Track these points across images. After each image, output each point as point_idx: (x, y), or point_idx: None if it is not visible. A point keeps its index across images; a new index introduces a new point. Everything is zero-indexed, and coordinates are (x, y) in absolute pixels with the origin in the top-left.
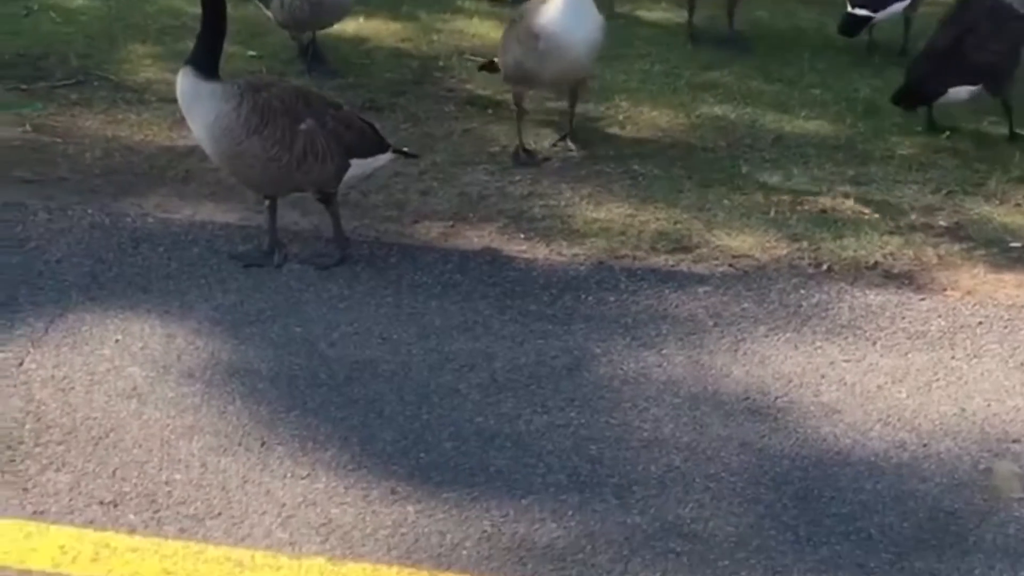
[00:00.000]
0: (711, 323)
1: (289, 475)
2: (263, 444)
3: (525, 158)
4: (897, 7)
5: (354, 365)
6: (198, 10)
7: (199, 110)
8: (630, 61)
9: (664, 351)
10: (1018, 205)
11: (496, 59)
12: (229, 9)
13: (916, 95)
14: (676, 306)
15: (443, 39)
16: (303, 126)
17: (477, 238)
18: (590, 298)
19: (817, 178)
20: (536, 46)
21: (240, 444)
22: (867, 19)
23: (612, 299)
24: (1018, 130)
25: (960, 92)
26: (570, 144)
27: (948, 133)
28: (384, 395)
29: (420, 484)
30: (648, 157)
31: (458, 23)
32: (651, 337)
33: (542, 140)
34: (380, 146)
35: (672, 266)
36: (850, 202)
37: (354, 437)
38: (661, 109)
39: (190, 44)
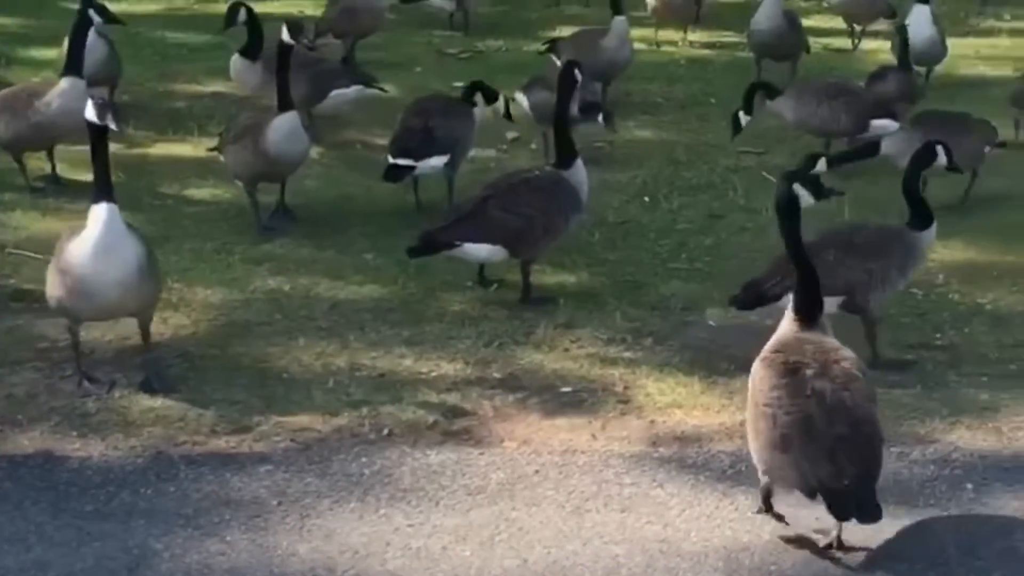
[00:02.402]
0: (275, 502)
1: None
2: None
3: (91, 388)
4: (438, 159)
5: None
6: None
7: None
8: (180, 241)
9: (228, 538)
10: (566, 351)
11: None
12: None
13: (428, 246)
14: (239, 489)
15: None
16: None
17: (27, 441)
18: (149, 491)
19: (374, 342)
20: (66, 283)
21: None
22: (408, 168)
23: (172, 489)
24: (535, 295)
25: (477, 249)
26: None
27: (496, 285)
28: None
29: None
30: (204, 338)
31: None
32: (214, 525)
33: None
34: None
35: (233, 448)
36: (407, 363)
37: None
38: (215, 287)
39: None
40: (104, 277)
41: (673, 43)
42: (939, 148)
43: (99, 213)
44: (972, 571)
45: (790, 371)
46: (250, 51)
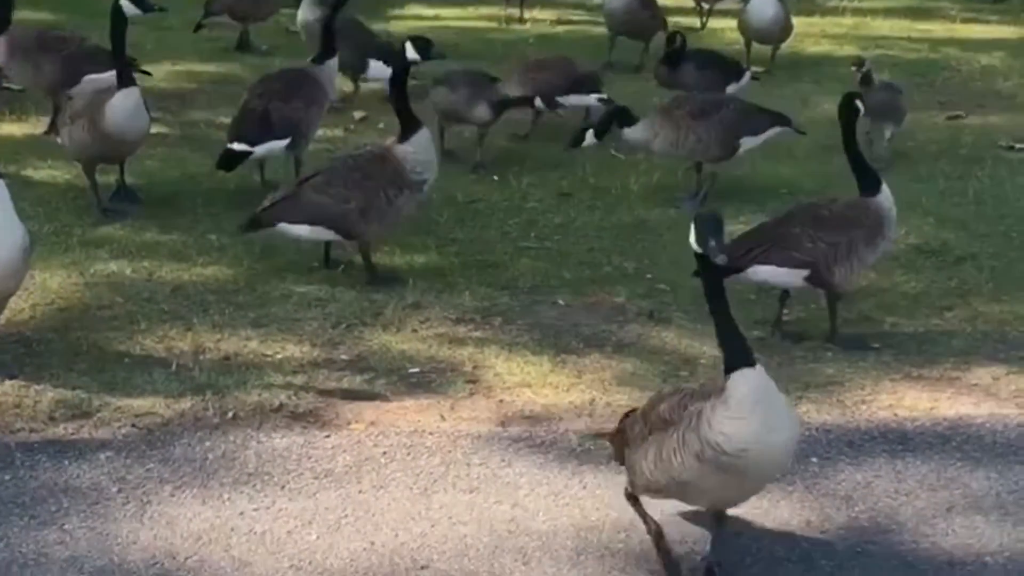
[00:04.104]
0: (115, 489)
1: None
2: None
3: None
4: (277, 143)
5: None
6: None
7: None
8: None
9: (66, 526)
10: (415, 331)
11: None
12: None
13: (253, 225)
14: (77, 476)
15: None
16: None
17: None
18: None
19: (218, 324)
20: None
21: None
22: (245, 153)
23: (8, 477)
24: (383, 274)
25: (297, 229)
26: None
27: (343, 267)
28: None
29: None
30: (42, 323)
31: None
32: (51, 513)
33: None
34: None
35: (72, 434)
36: (253, 345)
37: None
38: (53, 271)
39: None
40: None
41: (522, 21)
42: (857, 102)
43: None
44: (816, 544)
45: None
46: None
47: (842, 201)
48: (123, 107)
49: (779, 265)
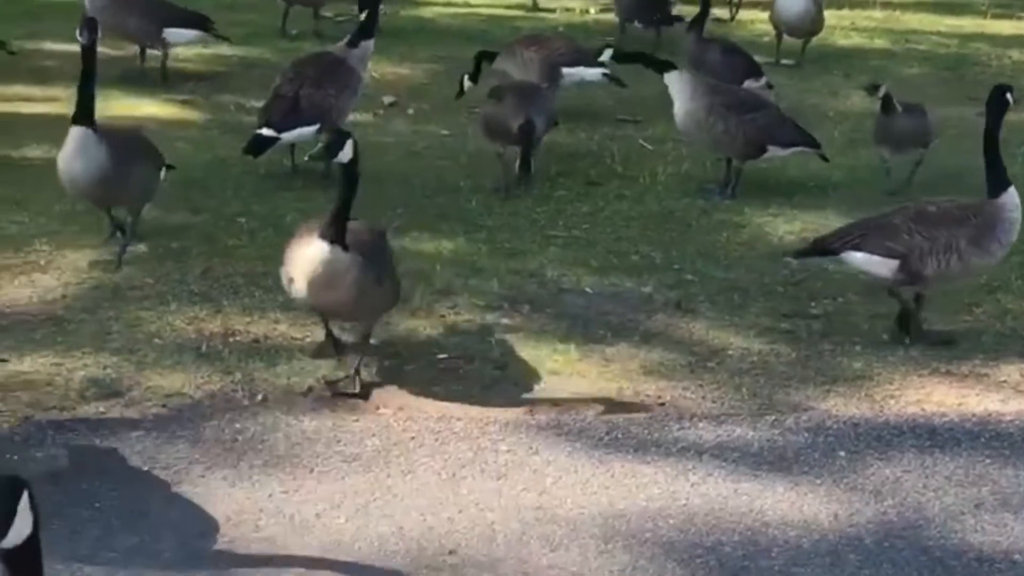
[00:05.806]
0: (146, 469)
1: None
2: None
3: None
4: (307, 130)
5: None
6: None
7: None
8: (48, 203)
9: (98, 504)
10: (443, 317)
11: None
12: None
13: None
14: (109, 455)
15: None
16: None
17: None
18: (15, 456)
19: (248, 307)
20: None
21: None
22: (273, 139)
23: (39, 455)
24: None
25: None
26: None
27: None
28: None
29: None
30: (72, 301)
31: None
32: (83, 491)
33: None
34: None
35: (103, 413)
36: (282, 328)
37: None
38: (84, 250)
39: None
40: None
41: (551, 10)
42: (1008, 95)
43: None
44: (844, 538)
45: None
46: None
47: (958, 201)
48: (65, 148)
49: (871, 253)
